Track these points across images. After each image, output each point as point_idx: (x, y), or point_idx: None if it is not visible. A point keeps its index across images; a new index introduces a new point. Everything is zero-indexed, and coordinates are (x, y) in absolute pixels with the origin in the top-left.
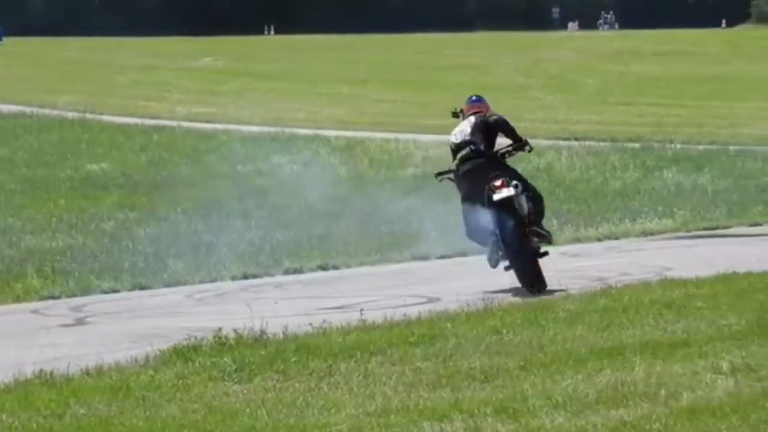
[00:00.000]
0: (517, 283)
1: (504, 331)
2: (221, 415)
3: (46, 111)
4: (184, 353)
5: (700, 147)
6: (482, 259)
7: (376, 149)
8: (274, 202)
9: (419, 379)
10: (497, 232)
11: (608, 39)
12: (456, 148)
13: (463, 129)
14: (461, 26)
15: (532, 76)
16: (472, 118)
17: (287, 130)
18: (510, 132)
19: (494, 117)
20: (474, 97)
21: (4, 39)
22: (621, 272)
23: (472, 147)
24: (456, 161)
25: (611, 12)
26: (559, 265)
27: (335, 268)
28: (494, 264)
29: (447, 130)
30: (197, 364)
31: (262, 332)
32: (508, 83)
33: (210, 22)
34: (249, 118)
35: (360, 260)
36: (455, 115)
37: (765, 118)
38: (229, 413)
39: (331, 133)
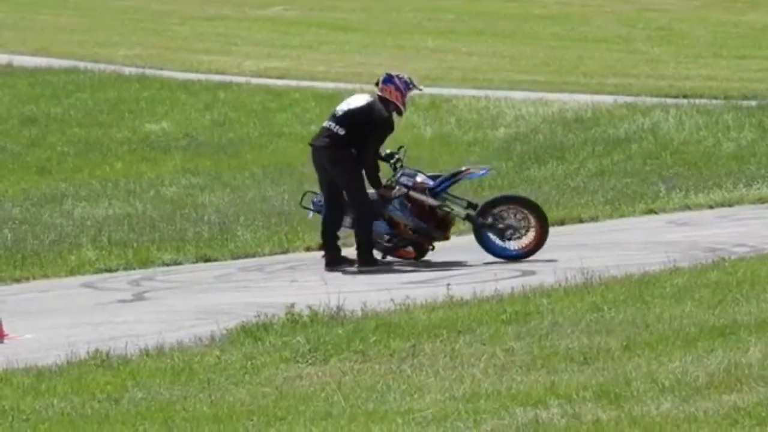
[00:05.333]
0: (627, 258)
1: (605, 307)
2: (293, 399)
3: (101, 66)
4: (254, 332)
5: None
6: (578, 228)
7: (464, 107)
8: None
9: (511, 361)
10: None
11: None
12: None
13: None
14: None
15: (636, 26)
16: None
17: (366, 86)
18: None
19: None
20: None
21: None
22: (735, 243)
23: None
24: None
25: None
26: (666, 234)
27: None
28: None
29: (542, 87)
30: (267, 343)
31: (339, 309)
32: (610, 35)
33: None
34: (324, 74)
35: None
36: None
37: None
38: (302, 398)
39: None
